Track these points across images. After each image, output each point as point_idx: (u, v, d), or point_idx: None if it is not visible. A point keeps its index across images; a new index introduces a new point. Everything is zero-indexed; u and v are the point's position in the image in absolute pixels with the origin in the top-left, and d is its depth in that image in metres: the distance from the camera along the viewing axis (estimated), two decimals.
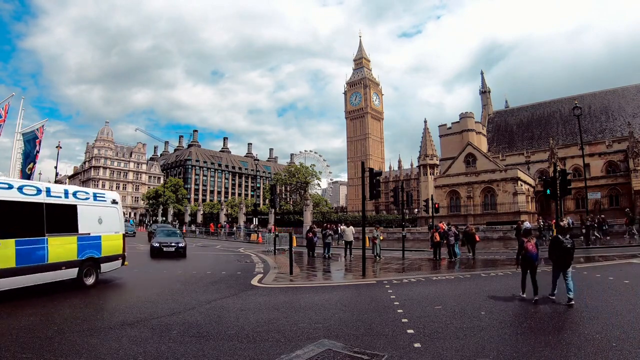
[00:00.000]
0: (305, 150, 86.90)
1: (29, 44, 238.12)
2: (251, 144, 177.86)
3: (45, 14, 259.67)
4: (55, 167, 33.51)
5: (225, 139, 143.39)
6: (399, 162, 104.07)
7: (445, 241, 17.17)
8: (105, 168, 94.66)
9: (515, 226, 23.17)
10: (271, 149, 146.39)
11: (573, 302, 7.56)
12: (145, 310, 7.59)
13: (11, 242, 7.85)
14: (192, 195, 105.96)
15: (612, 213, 34.18)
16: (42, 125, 24.29)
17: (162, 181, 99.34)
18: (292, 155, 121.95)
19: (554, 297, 8.22)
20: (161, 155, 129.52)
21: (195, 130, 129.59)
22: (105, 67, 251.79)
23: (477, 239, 17.74)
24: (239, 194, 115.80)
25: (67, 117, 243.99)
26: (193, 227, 48.14)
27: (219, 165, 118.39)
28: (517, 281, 8.93)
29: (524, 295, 8.42)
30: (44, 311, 7.29)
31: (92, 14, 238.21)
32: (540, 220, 26.75)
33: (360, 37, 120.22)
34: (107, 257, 10.40)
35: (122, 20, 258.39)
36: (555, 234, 10.97)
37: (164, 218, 60.95)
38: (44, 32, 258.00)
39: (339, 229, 26.66)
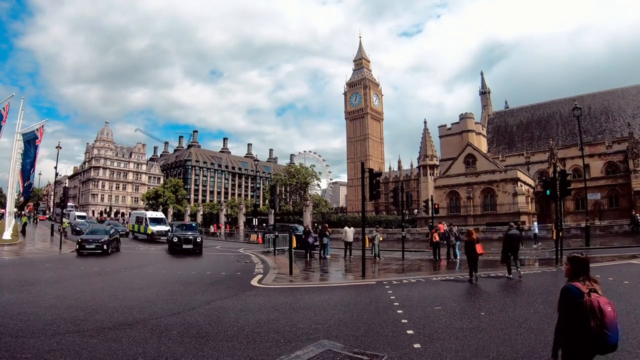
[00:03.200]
0: (304, 151, 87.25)
1: (26, 42, 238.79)
2: (251, 144, 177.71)
3: (41, 13, 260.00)
4: (55, 167, 33.46)
5: (225, 139, 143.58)
6: (399, 162, 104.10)
7: (445, 242, 17.18)
8: (105, 168, 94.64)
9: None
10: (271, 150, 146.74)
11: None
12: (145, 310, 7.58)
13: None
14: (192, 196, 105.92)
15: (612, 214, 34.20)
16: (42, 126, 24.25)
17: (162, 181, 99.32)
18: (291, 155, 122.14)
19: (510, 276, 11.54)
20: (161, 155, 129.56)
21: (195, 131, 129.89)
22: (103, 67, 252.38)
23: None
24: (239, 195, 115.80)
25: (65, 117, 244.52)
26: None
27: (219, 165, 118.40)
28: (517, 281, 10.64)
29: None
30: (44, 310, 7.28)
31: (88, 13, 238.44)
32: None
33: (360, 37, 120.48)
34: None
35: (119, 19, 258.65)
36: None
37: None
38: (40, 30, 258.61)
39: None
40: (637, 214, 24.80)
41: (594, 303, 2.89)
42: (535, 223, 24.34)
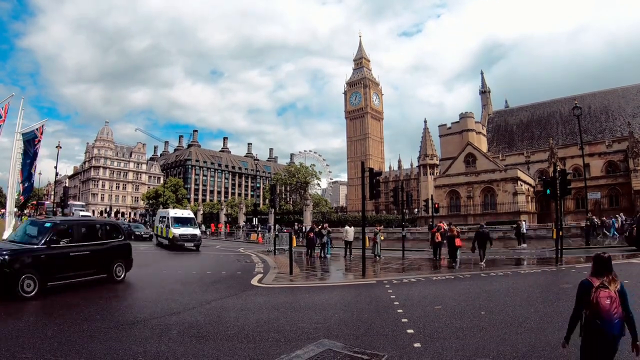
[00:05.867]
0: (305, 150, 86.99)
1: (26, 43, 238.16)
2: (251, 143, 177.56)
3: (42, 13, 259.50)
4: (55, 167, 33.54)
5: (225, 138, 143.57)
6: (399, 162, 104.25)
7: (445, 241, 17.15)
8: (105, 168, 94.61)
9: (515, 226, 23.18)
10: (271, 149, 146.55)
11: (484, 265, 13.97)
12: (145, 310, 7.59)
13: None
14: (192, 195, 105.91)
15: (612, 213, 34.13)
16: (42, 125, 24.30)
17: (162, 181, 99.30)
18: (292, 155, 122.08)
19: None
20: (161, 155, 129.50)
21: (195, 130, 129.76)
22: (104, 67, 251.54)
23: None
24: (239, 194, 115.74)
25: (66, 117, 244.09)
26: None
27: (219, 165, 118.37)
28: (517, 281, 10.72)
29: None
30: (44, 311, 7.29)
31: (89, 13, 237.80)
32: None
33: (360, 37, 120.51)
34: None
35: (120, 19, 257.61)
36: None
37: None
38: (41, 30, 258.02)
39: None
40: (594, 216, 24.52)
41: (594, 295, 3.26)
42: (524, 223, 24.21)
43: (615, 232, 23.85)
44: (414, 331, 5.94)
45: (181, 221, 23.85)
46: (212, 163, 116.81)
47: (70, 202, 64.25)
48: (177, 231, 22.45)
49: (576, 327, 3.42)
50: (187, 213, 25.84)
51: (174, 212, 25.01)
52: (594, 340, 3.28)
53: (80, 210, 54.04)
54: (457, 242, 14.91)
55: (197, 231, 23.54)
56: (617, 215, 25.07)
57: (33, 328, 6.20)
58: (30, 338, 5.54)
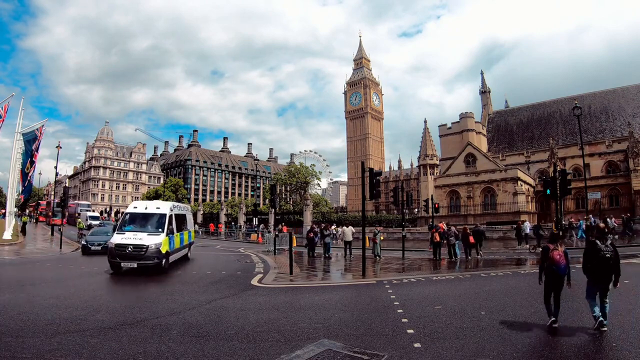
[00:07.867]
0: (305, 150, 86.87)
1: (28, 43, 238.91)
2: (251, 144, 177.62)
3: (44, 14, 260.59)
4: (55, 167, 33.38)
5: (225, 139, 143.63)
6: (399, 162, 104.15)
7: (445, 241, 17.18)
8: (105, 168, 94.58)
9: (515, 226, 23.14)
10: (271, 149, 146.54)
11: (481, 257, 16.70)
12: (145, 309, 7.59)
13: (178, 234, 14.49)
14: (192, 195, 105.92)
15: (612, 213, 34.12)
16: (42, 125, 24.29)
17: (162, 181, 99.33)
18: (292, 155, 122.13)
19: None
20: (161, 155, 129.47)
21: (195, 130, 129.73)
22: (105, 67, 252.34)
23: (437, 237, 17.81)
24: (239, 194, 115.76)
25: (67, 117, 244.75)
26: None
27: (219, 165, 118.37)
28: (517, 281, 10.74)
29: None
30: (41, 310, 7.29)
31: (91, 14, 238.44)
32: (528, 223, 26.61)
33: (360, 37, 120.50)
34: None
35: (121, 20, 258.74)
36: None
37: None
38: (43, 31, 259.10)
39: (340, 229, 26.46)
40: (572, 219, 23.79)
41: (549, 253, 6.10)
42: (527, 223, 23.98)
43: (582, 234, 22.76)
44: (414, 331, 5.94)
45: (137, 220, 13.53)
46: (212, 163, 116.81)
47: (77, 202, 63.53)
48: (117, 239, 12.59)
49: (542, 271, 6.20)
50: (153, 207, 14.14)
51: (133, 206, 14.53)
52: (550, 277, 6.04)
53: (87, 211, 52.63)
54: (471, 239, 16.72)
55: (153, 239, 12.53)
56: (587, 217, 24.66)
57: None
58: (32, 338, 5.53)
